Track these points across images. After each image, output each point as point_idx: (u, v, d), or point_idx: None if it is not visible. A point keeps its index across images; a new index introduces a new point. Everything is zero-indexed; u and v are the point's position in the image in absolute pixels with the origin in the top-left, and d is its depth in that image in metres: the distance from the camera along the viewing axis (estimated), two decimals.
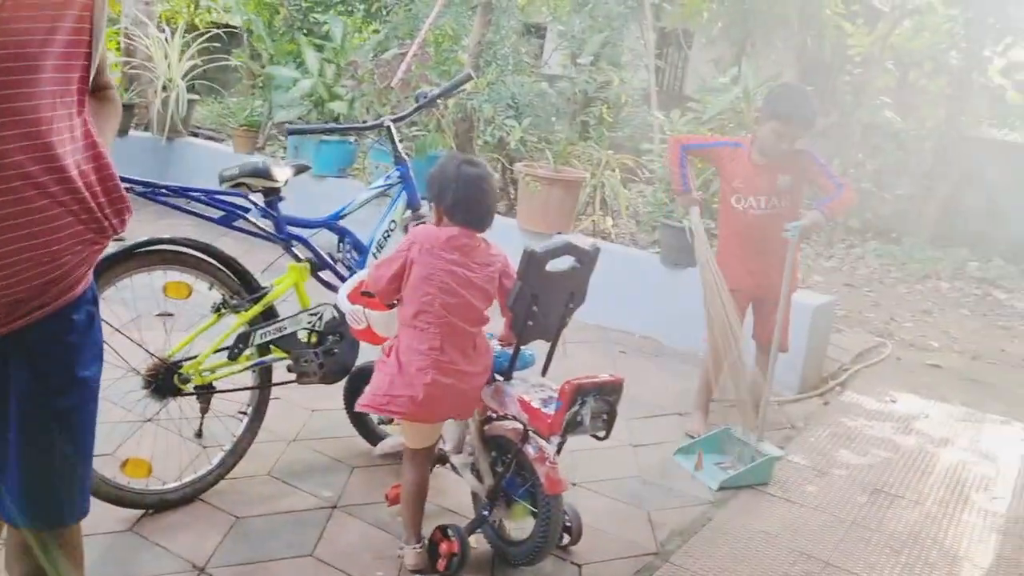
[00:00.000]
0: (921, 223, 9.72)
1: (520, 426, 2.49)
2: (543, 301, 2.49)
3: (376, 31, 6.77)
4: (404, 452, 2.58)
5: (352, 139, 6.01)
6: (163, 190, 2.74)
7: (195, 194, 2.82)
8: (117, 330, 2.53)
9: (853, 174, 9.62)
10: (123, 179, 2.57)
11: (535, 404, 2.41)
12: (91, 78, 1.45)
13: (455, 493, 2.94)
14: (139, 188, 2.66)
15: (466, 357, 2.44)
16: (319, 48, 6.22)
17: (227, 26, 7.89)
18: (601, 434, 2.42)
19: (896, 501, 3.37)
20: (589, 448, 3.25)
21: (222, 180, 2.91)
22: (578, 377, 2.34)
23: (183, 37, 6.86)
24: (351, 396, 3.09)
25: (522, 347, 2.55)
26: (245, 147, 6.43)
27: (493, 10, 5.95)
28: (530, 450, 2.49)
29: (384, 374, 2.44)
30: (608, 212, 6.01)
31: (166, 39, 6.77)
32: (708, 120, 5.27)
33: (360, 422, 3.20)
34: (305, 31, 6.62)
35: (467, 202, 2.44)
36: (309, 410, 3.46)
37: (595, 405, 2.34)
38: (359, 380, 3.05)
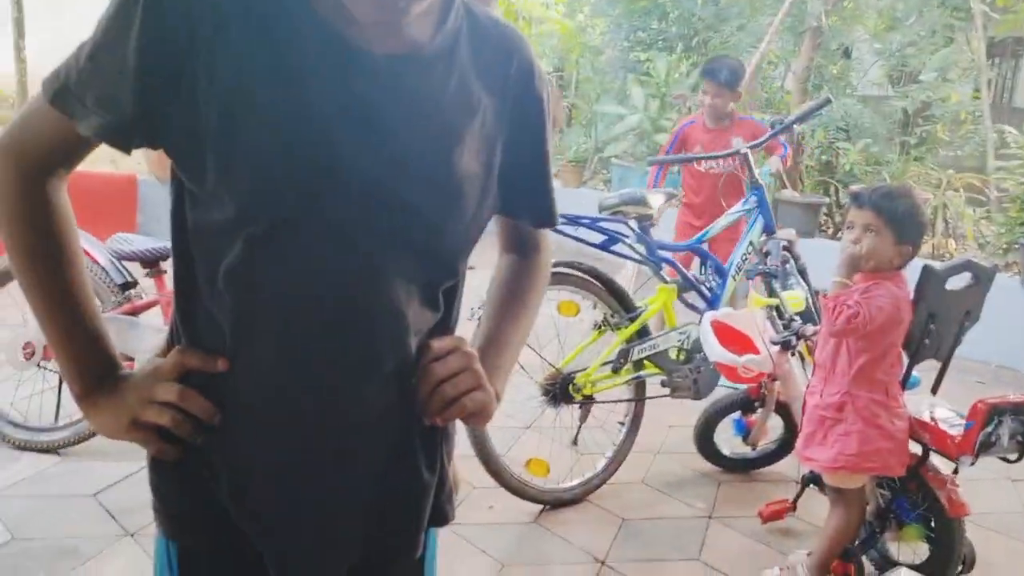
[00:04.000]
0: None
1: (918, 448, 2.45)
2: (940, 320, 2.45)
3: (695, 64, 6.93)
4: (835, 494, 2.46)
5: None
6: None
7: (584, 221, 3.09)
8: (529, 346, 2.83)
9: None
10: None
11: (938, 425, 2.37)
12: None
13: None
14: None
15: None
16: (643, 84, 6.48)
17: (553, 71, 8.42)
18: (1013, 456, 2.33)
19: None
20: (964, 480, 3.11)
21: (602, 208, 3.17)
22: (990, 396, 2.28)
23: None
24: (705, 430, 3.28)
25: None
26: (573, 181, 6.82)
27: (822, 33, 5.88)
28: (928, 471, 2.44)
29: (846, 431, 2.33)
30: (950, 234, 5.65)
31: None
32: None
33: (707, 450, 3.32)
34: (627, 70, 6.92)
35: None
36: (666, 426, 3.62)
37: (1012, 426, 2.26)
38: (715, 418, 3.25)
